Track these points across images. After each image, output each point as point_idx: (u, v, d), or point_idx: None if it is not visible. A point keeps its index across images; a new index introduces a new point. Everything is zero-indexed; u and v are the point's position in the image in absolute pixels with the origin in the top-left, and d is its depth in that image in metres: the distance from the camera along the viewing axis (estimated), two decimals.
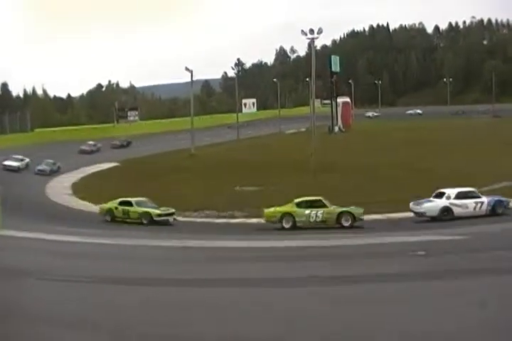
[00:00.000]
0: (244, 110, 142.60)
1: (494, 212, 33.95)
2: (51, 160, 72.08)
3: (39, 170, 69.03)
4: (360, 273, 14.65)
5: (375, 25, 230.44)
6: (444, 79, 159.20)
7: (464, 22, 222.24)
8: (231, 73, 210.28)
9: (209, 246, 24.82)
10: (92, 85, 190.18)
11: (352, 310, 10.53)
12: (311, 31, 61.35)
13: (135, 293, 12.86)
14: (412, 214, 35.94)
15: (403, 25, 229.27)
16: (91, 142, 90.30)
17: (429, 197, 35.72)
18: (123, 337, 9.20)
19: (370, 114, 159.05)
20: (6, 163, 70.79)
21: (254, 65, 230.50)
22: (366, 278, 13.79)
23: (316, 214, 33.87)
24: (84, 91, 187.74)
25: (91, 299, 11.99)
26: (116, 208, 39.83)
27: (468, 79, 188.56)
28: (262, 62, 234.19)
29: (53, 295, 12.24)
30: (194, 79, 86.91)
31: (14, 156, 72.99)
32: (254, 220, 40.68)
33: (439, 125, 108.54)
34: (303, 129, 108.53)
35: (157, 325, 9.69)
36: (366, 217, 35.38)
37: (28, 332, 9.31)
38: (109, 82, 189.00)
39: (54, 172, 69.42)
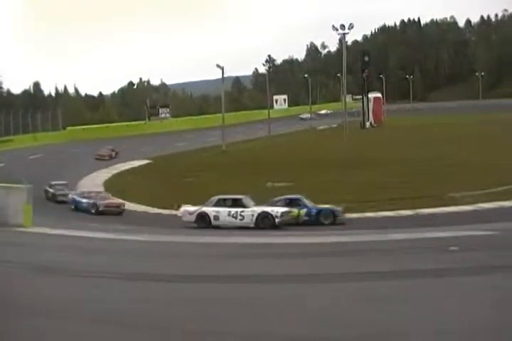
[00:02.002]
0: (275, 106, 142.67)
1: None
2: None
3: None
4: (393, 268, 14.51)
5: (406, 20, 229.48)
6: (476, 74, 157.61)
7: (496, 15, 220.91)
8: (262, 70, 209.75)
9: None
10: (124, 83, 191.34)
11: (386, 307, 10.40)
12: (342, 27, 61.22)
13: (175, 290, 12.81)
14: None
15: (434, 19, 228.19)
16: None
17: None
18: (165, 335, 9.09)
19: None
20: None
21: (285, 61, 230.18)
22: (399, 274, 13.67)
23: None
24: (116, 89, 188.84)
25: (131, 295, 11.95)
26: None
27: (501, 74, 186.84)
28: (292, 58, 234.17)
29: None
30: (225, 76, 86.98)
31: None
32: None
33: (473, 119, 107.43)
34: (334, 125, 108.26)
35: (201, 322, 9.59)
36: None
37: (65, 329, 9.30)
38: (141, 79, 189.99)
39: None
